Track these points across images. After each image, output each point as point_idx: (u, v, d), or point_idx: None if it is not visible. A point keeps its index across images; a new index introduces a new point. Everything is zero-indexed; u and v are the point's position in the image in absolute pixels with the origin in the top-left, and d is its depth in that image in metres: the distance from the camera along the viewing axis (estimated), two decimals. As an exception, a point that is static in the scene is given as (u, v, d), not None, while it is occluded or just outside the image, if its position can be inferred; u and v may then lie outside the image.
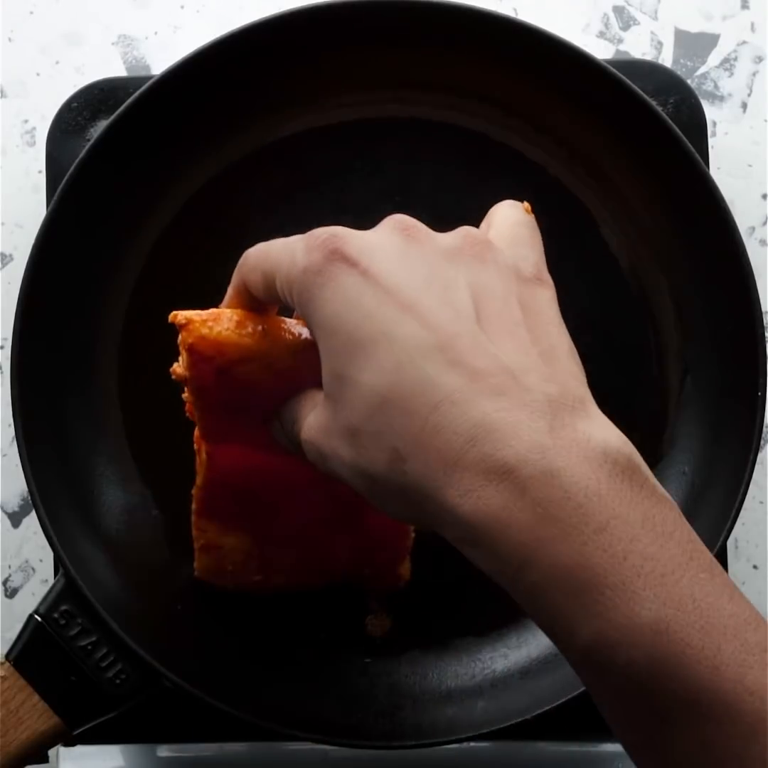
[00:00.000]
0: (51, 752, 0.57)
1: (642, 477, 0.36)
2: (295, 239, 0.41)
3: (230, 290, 0.48)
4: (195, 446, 0.55)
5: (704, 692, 0.33)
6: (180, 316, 0.47)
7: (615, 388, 0.60)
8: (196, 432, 0.53)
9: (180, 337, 0.47)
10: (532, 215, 0.45)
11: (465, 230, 0.41)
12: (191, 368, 0.47)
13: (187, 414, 0.51)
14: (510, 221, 0.43)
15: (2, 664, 0.54)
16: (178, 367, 0.49)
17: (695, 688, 0.33)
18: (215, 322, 0.46)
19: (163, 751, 0.62)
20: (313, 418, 0.42)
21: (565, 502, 0.34)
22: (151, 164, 0.58)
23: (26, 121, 0.65)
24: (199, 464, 0.55)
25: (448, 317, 0.37)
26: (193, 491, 0.55)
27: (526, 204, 0.45)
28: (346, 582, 0.58)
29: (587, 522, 0.34)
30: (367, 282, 0.38)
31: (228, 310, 0.47)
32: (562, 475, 0.34)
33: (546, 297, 0.41)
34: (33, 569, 0.64)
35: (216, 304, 0.60)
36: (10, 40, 0.66)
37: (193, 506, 0.56)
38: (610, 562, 0.34)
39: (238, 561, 0.56)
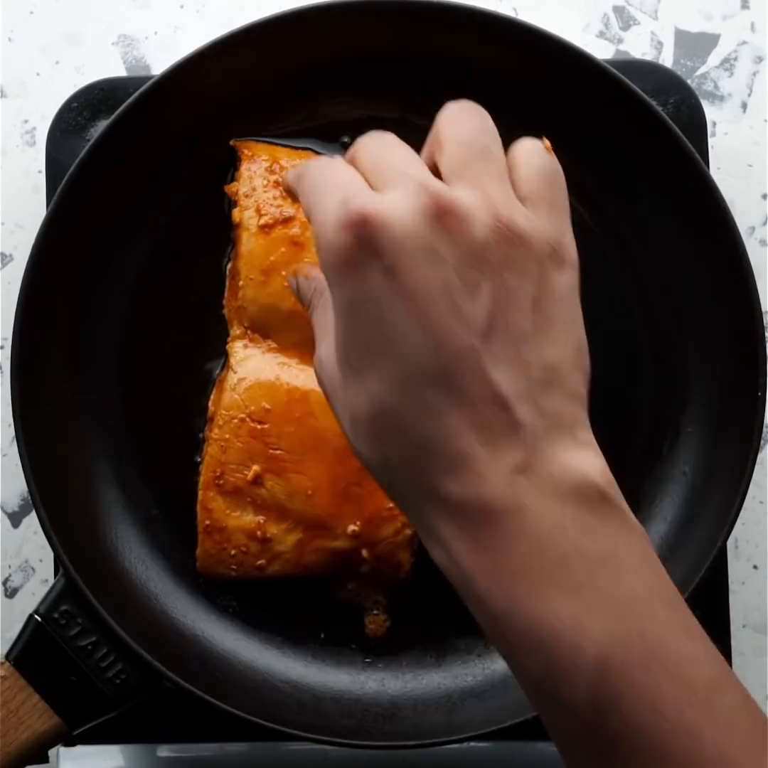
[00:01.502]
0: (51, 752, 0.57)
1: (612, 508, 0.37)
2: (335, 196, 0.40)
3: None
4: (207, 415, 0.58)
5: (642, 729, 0.34)
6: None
7: (615, 388, 0.60)
8: (210, 408, 0.59)
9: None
10: (554, 155, 0.43)
11: (498, 222, 0.39)
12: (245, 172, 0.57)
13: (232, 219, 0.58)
14: (534, 168, 0.42)
15: (2, 664, 0.54)
16: (233, 185, 0.57)
17: (633, 725, 0.34)
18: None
19: (163, 751, 0.62)
20: (324, 355, 0.41)
21: (528, 536, 0.36)
22: (151, 164, 0.59)
23: (26, 121, 0.65)
24: (209, 430, 0.58)
25: (457, 332, 0.38)
26: (203, 466, 0.58)
27: (546, 142, 0.43)
28: (345, 569, 0.58)
29: (547, 554, 0.35)
30: (386, 280, 0.38)
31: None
32: (528, 511, 0.36)
33: (564, 285, 0.41)
34: (33, 569, 0.64)
35: (217, 301, 0.61)
36: (10, 40, 0.66)
37: (202, 478, 0.58)
38: (562, 595, 0.35)
39: (240, 544, 0.57)
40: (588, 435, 0.39)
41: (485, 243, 0.39)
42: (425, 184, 0.39)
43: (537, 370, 0.38)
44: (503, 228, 0.39)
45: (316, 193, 0.42)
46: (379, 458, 0.39)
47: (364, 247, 0.38)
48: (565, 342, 0.40)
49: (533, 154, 0.43)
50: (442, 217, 0.38)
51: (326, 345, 0.41)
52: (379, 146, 0.42)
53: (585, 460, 0.38)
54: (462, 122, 0.42)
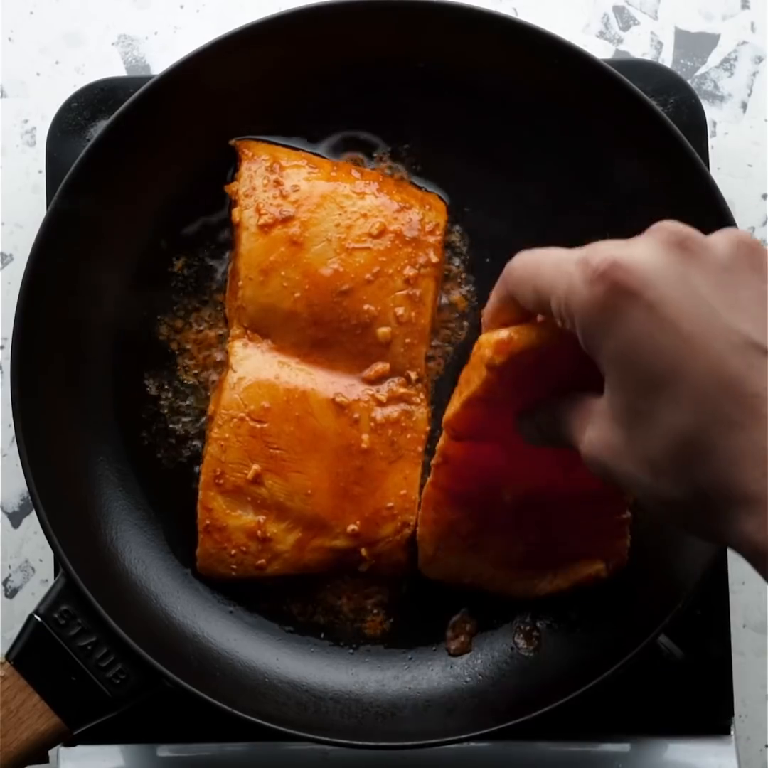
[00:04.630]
0: (51, 752, 0.57)
1: None
2: (568, 259, 0.42)
3: (495, 301, 0.48)
4: (208, 415, 0.58)
5: None
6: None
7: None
8: (210, 408, 0.58)
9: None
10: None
11: (736, 237, 0.41)
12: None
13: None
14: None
15: (2, 664, 0.54)
16: (233, 185, 0.58)
17: None
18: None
19: (163, 751, 0.62)
20: (595, 436, 0.43)
21: None
22: (151, 164, 0.59)
23: (26, 121, 0.65)
24: (209, 428, 0.58)
25: (733, 347, 0.39)
26: (203, 466, 0.58)
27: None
28: (344, 569, 0.58)
29: None
30: (652, 315, 0.39)
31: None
32: None
33: None
34: (33, 569, 0.64)
35: (217, 300, 0.60)
36: (10, 40, 0.66)
37: (202, 477, 0.58)
38: None
39: (240, 544, 0.57)
40: None
41: (732, 258, 0.40)
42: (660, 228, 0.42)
43: None
44: (743, 246, 0.41)
45: (541, 272, 0.44)
46: (687, 491, 0.40)
47: (619, 291, 0.40)
48: None
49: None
50: (684, 241, 0.40)
51: (591, 429, 0.43)
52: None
53: None
54: None
